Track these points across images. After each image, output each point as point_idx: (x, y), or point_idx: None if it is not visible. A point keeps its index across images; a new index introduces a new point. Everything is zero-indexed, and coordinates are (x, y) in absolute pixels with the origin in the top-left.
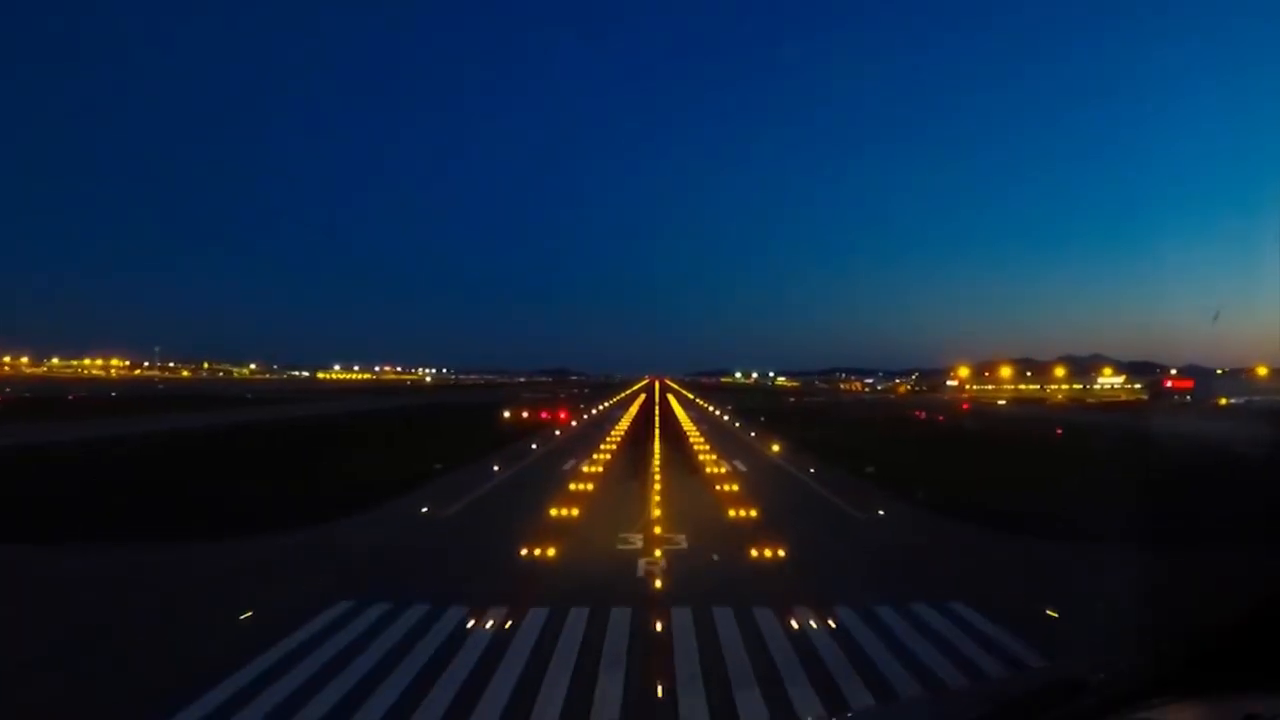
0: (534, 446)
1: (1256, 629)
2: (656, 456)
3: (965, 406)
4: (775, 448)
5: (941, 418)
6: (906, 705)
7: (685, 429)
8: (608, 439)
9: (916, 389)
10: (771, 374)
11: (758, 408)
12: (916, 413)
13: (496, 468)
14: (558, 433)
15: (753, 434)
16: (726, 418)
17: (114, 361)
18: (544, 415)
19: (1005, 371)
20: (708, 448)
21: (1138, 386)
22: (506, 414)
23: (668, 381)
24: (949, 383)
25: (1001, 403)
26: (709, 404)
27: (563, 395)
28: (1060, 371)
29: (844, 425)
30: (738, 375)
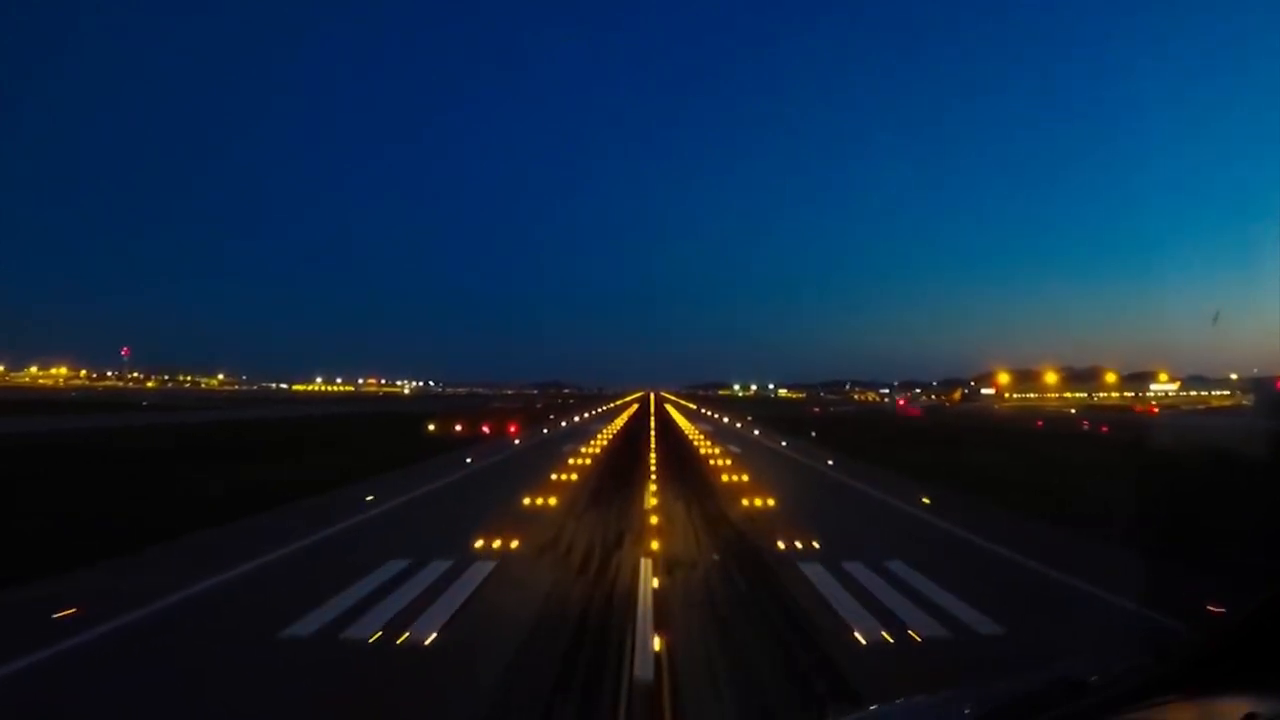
0: (370, 498)
1: (1256, 629)
2: (651, 529)
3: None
4: (925, 499)
5: (1105, 428)
6: (907, 705)
7: (700, 452)
8: (560, 473)
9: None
10: (772, 386)
11: (787, 419)
12: (1039, 424)
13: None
14: (469, 460)
15: (830, 462)
16: (757, 432)
17: (63, 370)
18: (485, 429)
19: (1050, 378)
20: (773, 506)
21: (1193, 393)
22: (431, 427)
23: (664, 394)
24: (983, 391)
25: (1072, 411)
26: (720, 414)
27: (539, 405)
28: (1111, 378)
29: (963, 445)
30: (736, 388)
